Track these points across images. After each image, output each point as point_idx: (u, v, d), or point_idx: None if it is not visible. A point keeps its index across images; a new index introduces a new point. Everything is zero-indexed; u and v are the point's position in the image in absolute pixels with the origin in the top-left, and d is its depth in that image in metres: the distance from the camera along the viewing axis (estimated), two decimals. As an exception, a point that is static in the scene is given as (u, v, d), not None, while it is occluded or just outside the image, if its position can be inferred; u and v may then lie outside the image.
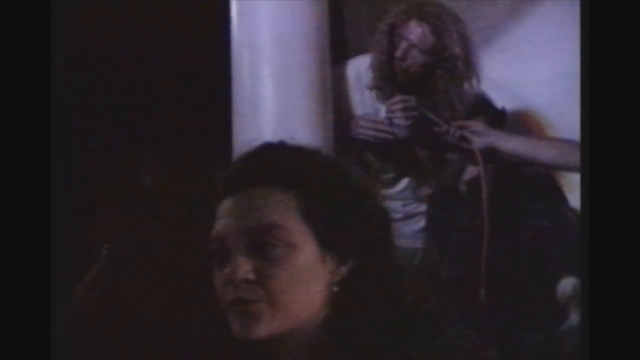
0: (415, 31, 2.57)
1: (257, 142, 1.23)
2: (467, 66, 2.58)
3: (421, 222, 2.77)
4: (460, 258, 2.55)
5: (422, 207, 2.78)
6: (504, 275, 2.48)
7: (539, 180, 2.68)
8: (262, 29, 2.59)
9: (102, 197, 2.40)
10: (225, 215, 1.16)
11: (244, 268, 1.11)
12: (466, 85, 2.61)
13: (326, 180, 1.17)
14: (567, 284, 2.48)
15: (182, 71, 2.93)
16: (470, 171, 2.64)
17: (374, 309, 1.13)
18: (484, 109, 2.71)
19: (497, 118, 2.75)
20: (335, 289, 1.14)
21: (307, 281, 1.13)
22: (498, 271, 2.46)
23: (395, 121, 2.60)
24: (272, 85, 2.56)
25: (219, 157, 2.47)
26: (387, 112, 2.62)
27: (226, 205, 1.17)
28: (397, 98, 2.60)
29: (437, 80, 2.59)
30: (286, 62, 2.57)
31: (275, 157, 1.19)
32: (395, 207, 2.76)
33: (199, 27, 2.92)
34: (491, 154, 2.50)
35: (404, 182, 2.77)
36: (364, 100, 2.72)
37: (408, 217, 2.77)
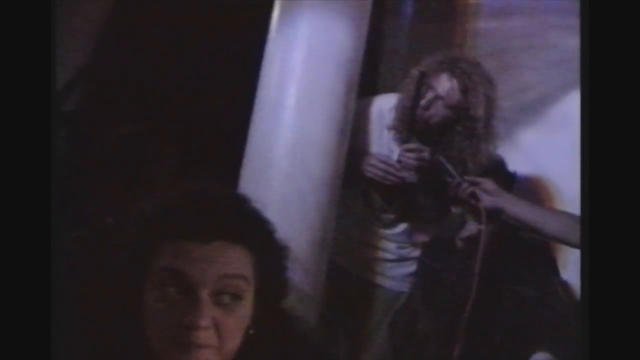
0: (444, 84, 2.53)
1: (209, 189, 1.29)
2: (487, 129, 2.54)
3: (412, 267, 2.73)
4: (441, 313, 2.52)
5: (416, 253, 2.74)
6: (481, 339, 2.44)
7: (534, 249, 2.63)
8: (297, 48, 2.55)
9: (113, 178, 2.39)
10: (191, 258, 1.18)
11: (209, 317, 1.16)
12: (482, 147, 2.56)
13: (272, 244, 1.28)
14: (540, 359, 2.45)
15: (211, 73, 2.91)
16: (469, 228, 2.60)
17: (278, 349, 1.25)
18: (495, 170, 2.67)
19: (506, 181, 2.70)
20: (251, 331, 1.23)
21: (243, 328, 1.21)
22: (476, 333, 2.42)
23: (406, 166, 2.57)
24: (295, 105, 2.52)
25: (231, 163, 2.50)
26: (400, 156, 2.59)
27: (190, 247, 1.19)
28: (412, 145, 2.57)
29: (455, 136, 2.56)
30: (313, 86, 2.53)
31: (239, 214, 1.26)
32: (390, 248, 2.74)
33: (236, 34, 2.90)
34: (496, 215, 2.46)
35: (403, 226, 2.74)
36: (381, 139, 2.68)
37: (400, 260, 2.74)
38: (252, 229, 1.25)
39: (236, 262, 1.21)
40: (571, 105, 3.03)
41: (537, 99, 3.15)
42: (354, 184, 2.64)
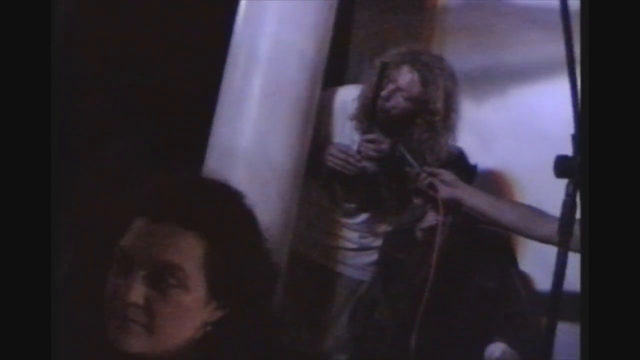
0: (405, 76, 2.49)
1: (193, 177, 1.29)
2: (445, 122, 2.50)
3: (373, 256, 2.70)
4: (400, 302, 2.48)
5: (378, 242, 2.70)
6: (438, 329, 2.41)
7: (494, 240, 2.58)
8: (263, 37, 2.49)
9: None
10: (139, 235, 1.18)
11: (137, 294, 1.14)
12: (441, 140, 2.53)
13: (236, 236, 1.21)
14: (495, 349, 2.42)
15: (177, 62, 2.84)
16: (429, 219, 2.56)
17: (241, 353, 1.19)
18: (455, 163, 2.63)
19: (467, 173, 2.66)
20: (209, 328, 1.19)
21: (186, 319, 1.17)
22: (433, 324, 2.39)
23: (365, 157, 2.53)
24: (259, 94, 2.47)
25: (195, 152, 2.45)
26: (360, 146, 2.55)
27: (142, 225, 1.19)
28: (372, 135, 2.53)
29: (415, 129, 2.52)
30: (278, 75, 2.48)
31: (200, 201, 1.21)
32: (352, 237, 2.71)
33: (203, 23, 2.83)
34: (454, 206, 2.42)
35: (365, 216, 2.71)
36: (344, 129, 2.64)
37: (362, 249, 2.71)
38: (209, 217, 1.18)
39: (178, 250, 1.15)
40: (536, 100, 3.01)
41: (475, 69, 3.08)
42: (316, 174, 2.60)
